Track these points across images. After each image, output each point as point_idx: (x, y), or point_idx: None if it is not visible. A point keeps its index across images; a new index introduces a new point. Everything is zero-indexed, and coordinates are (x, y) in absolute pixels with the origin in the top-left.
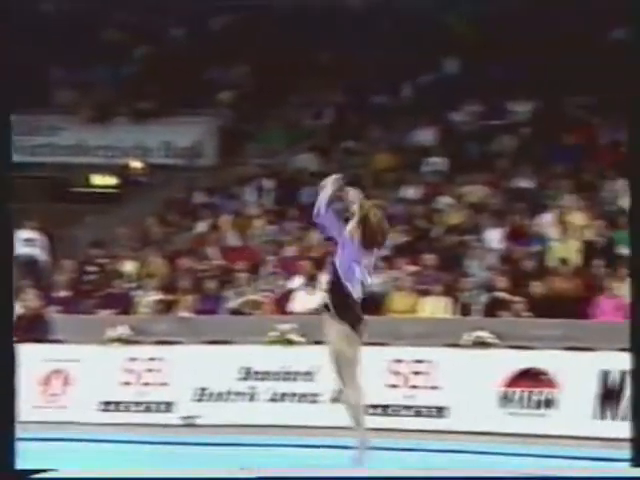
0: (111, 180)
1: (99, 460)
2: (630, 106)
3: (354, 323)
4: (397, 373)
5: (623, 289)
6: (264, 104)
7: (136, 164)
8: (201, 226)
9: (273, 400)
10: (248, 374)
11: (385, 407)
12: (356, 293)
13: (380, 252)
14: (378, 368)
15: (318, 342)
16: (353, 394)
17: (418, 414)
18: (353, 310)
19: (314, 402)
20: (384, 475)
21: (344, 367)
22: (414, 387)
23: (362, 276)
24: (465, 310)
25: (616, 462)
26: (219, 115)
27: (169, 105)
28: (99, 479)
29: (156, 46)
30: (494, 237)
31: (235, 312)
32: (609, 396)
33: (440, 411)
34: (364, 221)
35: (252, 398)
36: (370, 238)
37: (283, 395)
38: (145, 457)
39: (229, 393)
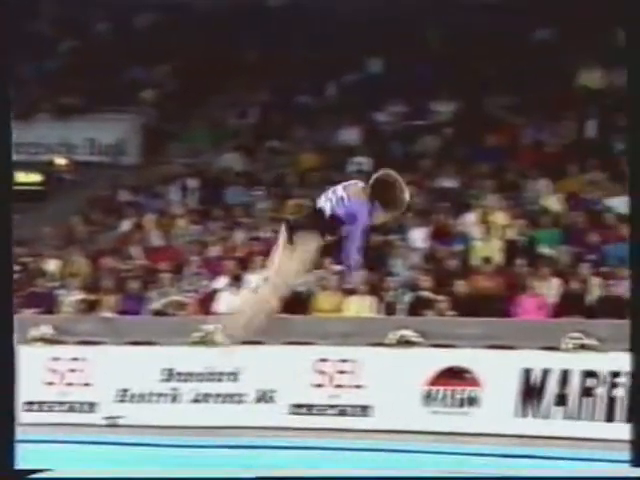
0: (35, 177)
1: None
2: (629, 108)
3: (300, 228)
4: (322, 372)
5: (544, 288)
6: (188, 103)
7: (60, 161)
8: (125, 225)
9: (197, 401)
10: (171, 375)
11: (310, 406)
12: (323, 206)
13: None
14: (303, 367)
15: (242, 342)
16: (260, 295)
17: (343, 413)
18: (311, 220)
19: (240, 402)
20: (384, 475)
21: (275, 264)
22: (339, 386)
23: (340, 201)
24: (390, 309)
25: (538, 460)
26: (143, 113)
27: (93, 101)
28: (98, 479)
29: (81, 41)
30: (418, 236)
31: (158, 313)
32: (530, 394)
33: (365, 410)
34: (392, 174)
35: (175, 399)
36: (387, 188)
37: (207, 396)
38: (68, 457)
39: (152, 394)
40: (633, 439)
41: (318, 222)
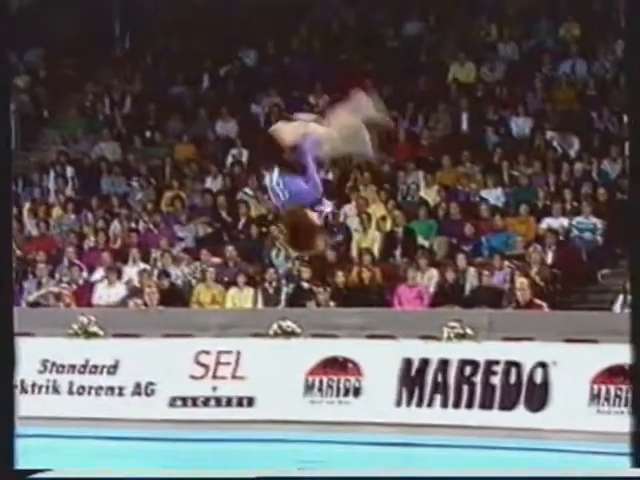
0: None
1: None
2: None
3: None
4: (203, 364)
5: (422, 278)
6: (61, 90)
7: None
8: None
9: (74, 393)
10: (48, 367)
11: (192, 399)
12: None
13: None
14: (183, 359)
15: (119, 335)
16: None
17: (224, 404)
18: None
19: (119, 395)
20: (385, 475)
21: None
22: (220, 378)
23: None
24: (270, 301)
25: (419, 447)
26: (16, 100)
27: None
28: (99, 479)
29: None
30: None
31: (35, 304)
32: (411, 383)
33: (246, 401)
34: None
35: (52, 391)
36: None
37: (85, 388)
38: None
39: (30, 385)
40: (633, 439)
41: None
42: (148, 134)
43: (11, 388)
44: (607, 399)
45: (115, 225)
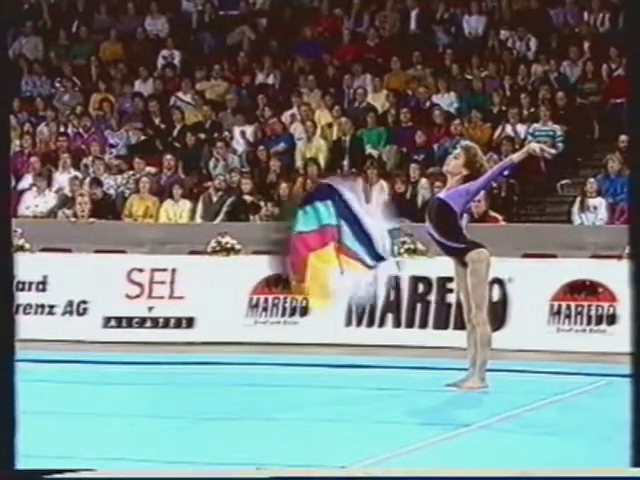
0: None
1: None
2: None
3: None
4: (138, 283)
5: (373, 190)
6: None
7: None
8: None
9: None
10: None
11: (127, 319)
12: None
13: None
14: (117, 277)
15: (47, 249)
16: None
17: (162, 326)
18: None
19: (49, 314)
20: (386, 475)
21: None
22: (157, 298)
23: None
24: (208, 215)
25: (367, 368)
26: None
27: None
28: (107, 479)
29: None
30: (238, 136)
31: None
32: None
33: (185, 322)
34: None
35: None
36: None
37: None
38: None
39: None
40: (633, 439)
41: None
42: (75, 28)
43: (12, 386)
44: (568, 317)
45: (42, 129)
